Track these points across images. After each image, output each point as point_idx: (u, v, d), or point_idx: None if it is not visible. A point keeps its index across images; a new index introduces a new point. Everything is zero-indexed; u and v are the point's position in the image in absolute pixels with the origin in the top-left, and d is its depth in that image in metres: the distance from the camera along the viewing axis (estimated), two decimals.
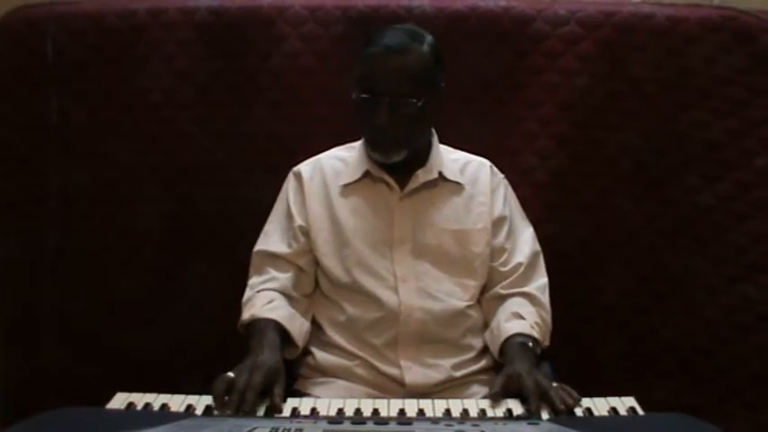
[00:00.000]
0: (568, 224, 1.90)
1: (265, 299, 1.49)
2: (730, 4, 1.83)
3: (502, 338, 1.45)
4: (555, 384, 1.29)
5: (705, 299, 1.86)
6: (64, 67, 1.85)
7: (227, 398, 1.24)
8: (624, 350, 1.94)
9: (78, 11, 1.87)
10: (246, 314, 1.47)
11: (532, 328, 1.46)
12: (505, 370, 1.35)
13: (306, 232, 1.54)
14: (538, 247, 1.60)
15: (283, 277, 1.53)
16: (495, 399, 1.28)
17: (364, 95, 1.44)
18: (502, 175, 1.63)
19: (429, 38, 1.49)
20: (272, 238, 1.57)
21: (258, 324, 1.43)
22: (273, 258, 1.55)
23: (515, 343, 1.42)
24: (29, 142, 1.91)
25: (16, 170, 1.93)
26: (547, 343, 1.50)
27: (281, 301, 1.49)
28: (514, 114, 1.88)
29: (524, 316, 1.47)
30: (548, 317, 1.53)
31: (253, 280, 1.56)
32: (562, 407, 1.23)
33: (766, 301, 1.81)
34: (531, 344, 1.43)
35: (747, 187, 1.79)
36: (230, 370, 1.30)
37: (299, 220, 1.55)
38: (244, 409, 1.22)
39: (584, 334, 1.93)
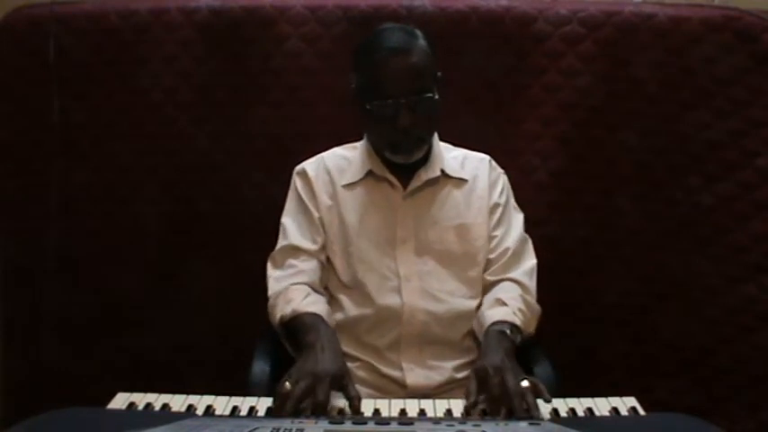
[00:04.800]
0: (569, 224, 1.90)
1: (302, 292, 1.47)
2: (732, 4, 1.83)
3: (484, 327, 1.42)
4: (526, 383, 1.21)
5: (706, 299, 1.86)
6: (65, 67, 1.85)
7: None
8: (625, 350, 1.94)
9: (80, 11, 1.87)
10: (287, 308, 1.43)
11: (515, 314, 1.43)
12: (475, 366, 1.30)
13: (323, 224, 1.54)
14: (526, 234, 1.59)
15: (309, 269, 1.51)
16: (470, 410, 1.21)
17: (380, 102, 1.43)
18: (501, 170, 1.63)
19: (419, 31, 1.49)
20: (292, 234, 1.55)
21: (304, 318, 1.40)
22: (297, 251, 1.53)
23: (493, 332, 1.39)
24: (29, 142, 1.91)
25: (16, 170, 1.92)
26: (531, 330, 1.47)
27: (316, 296, 1.48)
28: (516, 114, 1.88)
29: (507, 302, 1.45)
30: (533, 301, 1.51)
31: (276, 273, 1.53)
32: (523, 414, 1.16)
33: (767, 301, 1.81)
34: (509, 331, 1.39)
35: (748, 187, 1.79)
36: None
37: (317, 213, 1.54)
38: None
39: (584, 334, 1.93)
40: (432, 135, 1.53)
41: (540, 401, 1.20)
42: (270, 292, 1.51)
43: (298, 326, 1.41)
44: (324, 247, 1.53)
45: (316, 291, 1.51)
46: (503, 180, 1.61)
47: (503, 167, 1.63)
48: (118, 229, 1.95)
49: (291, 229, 1.55)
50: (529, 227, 1.61)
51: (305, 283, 1.50)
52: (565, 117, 1.86)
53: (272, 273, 1.54)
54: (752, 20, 1.74)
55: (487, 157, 1.62)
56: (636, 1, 1.88)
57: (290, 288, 1.48)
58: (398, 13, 1.82)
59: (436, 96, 1.45)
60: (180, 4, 1.86)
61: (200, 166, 1.91)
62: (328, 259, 1.54)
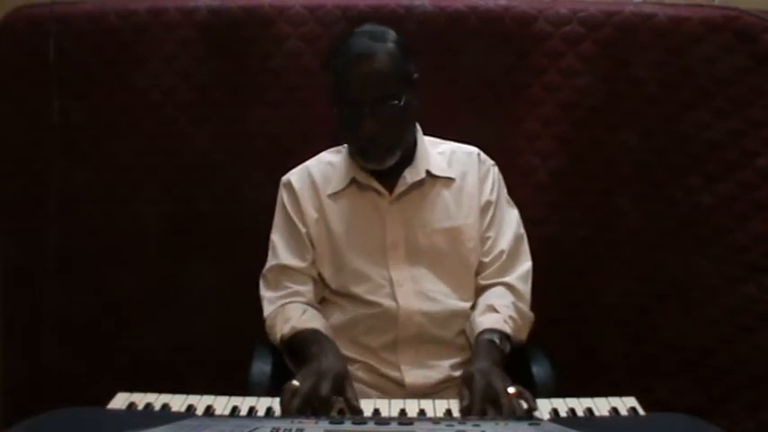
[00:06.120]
0: (569, 224, 1.90)
1: (299, 310, 1.46)
2: (732, 4, 1.83)
3: (474, 333, 1.42)
4: (512, 389, 1.22)
5: (706, 299, 1.86)
6: (65, 67, 1.85)
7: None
8: (625, 350, 1.94)
9: (79, 11, 1.87)
10: (286, 327, 1.43)
11: (505, 322, 1.42)
12: (463, 373, 1.32)
13: (311, 239, 1.53)
14: (522, 231, 1.57)
15: (305, 290, 1.51)
16: (466, 413, 1.21)
17: (343, 108, 1.43)
18: (491, 162, 1.59)
19: (392, 34, 1.47)
20: (281, 252, 1.54)
21: (305, 334, 1.41)
22: (288, 271, 1.52)
23: (483, 340, 1.39)
24: (29, 142, 1.91)
25: (16, 170, 1.93)
26: (522, 338, 1.46)
27: (313, 312, 1.48)
28: (516, 114, 1.88)
29: (499, 309, 1.44)
30: (526, 308, 1.49)
31: (269, 294, 1.52)
32: (510, 415, 1.17)
33: (767, 301, 1.81)
34: (498, 341, 1.38)
35: (748, 187, 1.79)
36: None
37: (304, 228, 1.53)
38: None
39: (584, 334, 1.93)
40: (402, 141, 1.47)
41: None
42: (266, 313, 1.51)
43: (299, 341, 1.41)
44: (314, 262, 1.53)
45: (314, 307, 1.51)
46: (493, 174, 1.57)
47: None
48: (118, 229, 1.95)
49: (281, 247, 1.54)
50: (529, 227, 1.60)
51: (301, 302, 1.49)
52: (565, 117, 1.86)
53: (265, 293, 1.53)
54: (752, 20, 1.74)
55: (476, 150, 1.59)
56: (636, 1, 1.88)
57: (287, 306, 1.48)
58: (398, 13, 1.82)
59: (401, 102, 1.42)
60: (179, 3, 1.86)
61: (201, 166, 1.91)
62: (319, 273, 1.53)
